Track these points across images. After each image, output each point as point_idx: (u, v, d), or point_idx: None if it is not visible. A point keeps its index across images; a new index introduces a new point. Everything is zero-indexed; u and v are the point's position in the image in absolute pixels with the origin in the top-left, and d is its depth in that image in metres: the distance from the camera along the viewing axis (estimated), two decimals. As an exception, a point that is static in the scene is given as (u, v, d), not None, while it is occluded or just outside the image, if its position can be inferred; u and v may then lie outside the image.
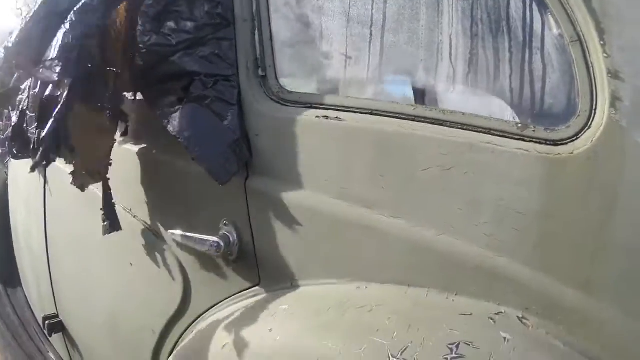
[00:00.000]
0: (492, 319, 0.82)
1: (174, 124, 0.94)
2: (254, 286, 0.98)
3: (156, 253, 1.13)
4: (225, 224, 0.98)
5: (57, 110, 0.95)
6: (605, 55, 0.77)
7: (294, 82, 0.99)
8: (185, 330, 1.12)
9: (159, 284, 1.14)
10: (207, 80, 0.95)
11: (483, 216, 0.82)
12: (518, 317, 0.82)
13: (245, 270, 0.99)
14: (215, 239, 0.96)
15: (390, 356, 0.77)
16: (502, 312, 0.82)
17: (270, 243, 0.94)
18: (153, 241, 1.13)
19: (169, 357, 1.16)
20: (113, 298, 1.31)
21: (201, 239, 0.97)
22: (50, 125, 0.95)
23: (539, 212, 0.81)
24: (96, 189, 1.26)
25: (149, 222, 1.14)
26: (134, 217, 1.17)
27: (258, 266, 0.97)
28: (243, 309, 0.98)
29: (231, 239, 0.97)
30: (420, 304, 0.84)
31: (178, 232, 1.01)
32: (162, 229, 1.11)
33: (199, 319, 1.09)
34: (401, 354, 0.77)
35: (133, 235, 1.18)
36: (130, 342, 1.28)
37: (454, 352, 0.76)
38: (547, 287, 0.81)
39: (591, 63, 0.79)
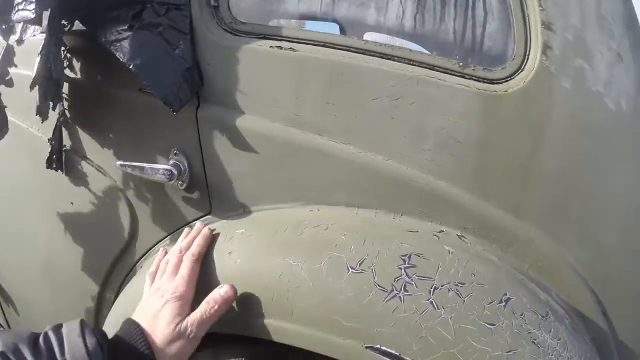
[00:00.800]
0: (435, 235, 0.85)
1: (123, 51, 0.88)
2: (206, 215, 0.95)
3: (100, 190, 1.06)
4: (175, 154, 0.93)
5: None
6: (540, 8, 0.84)
7: (245, 13, 0.94)
8: (133, 267, 1.06)
9: (104, 222, 1.07)
10: (159, 8, 0.89)
11: (426, 143, 0.86)
12: (457, 235, 0.86)
13: (196, 199, 0.95)
14: (167, 166, 0.91)
15: (350, 268, 0.78)
16: (443, 231, 0.86)
17: (221, 171, 0.91)
18: (97, 177, 1.05)
19: (115, 298, 1.09)
20: (51, 243, 1.21)
21: (152, 167, 0.92)
22: None
23: (476, 142, 0.86)
24: (32, 128, 1.16)
25: (91, 158, 1.05)
26: (75, 153, 1.08)
27: (209, 194, 0.93)
28: (196, 237, 0.94)
29: (182, 167, 0.92)
30: (371, 222, 0.86)
31: (127, 163, 0.94)
32: (106, 163, 1.03)
33: (148, 254, 1.03)
34: (359, 265, 0.78)
35: (74, 172, 1.09)
36: (71, 287, 1.19)
37: (406, 262, 0.78)
38: (482, 209, 0.87)
39: (527, 14, 0.85)
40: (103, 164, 1.03)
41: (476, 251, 0.86)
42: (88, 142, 1.04)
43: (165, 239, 1.01)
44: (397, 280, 0.77)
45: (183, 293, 0.79)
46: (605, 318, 0.93)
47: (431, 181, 0.86)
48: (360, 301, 0.76)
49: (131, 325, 0.76)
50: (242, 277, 0.82)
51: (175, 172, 0.90)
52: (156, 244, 1.02)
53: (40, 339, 0.69)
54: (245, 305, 0.81)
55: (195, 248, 0.85)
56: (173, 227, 0.99)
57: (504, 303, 0.79)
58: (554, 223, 0.88)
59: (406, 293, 0.76)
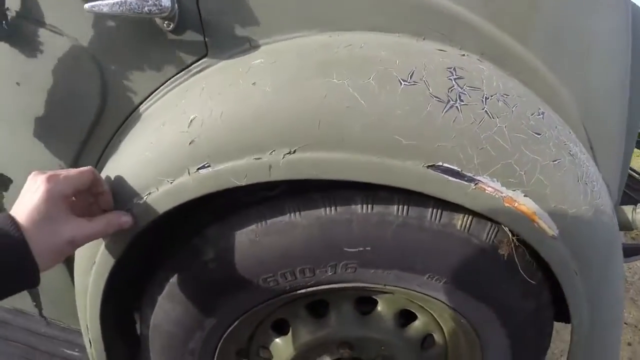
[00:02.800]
0: (462, 55, 0.69)
1: None
2: (201, 58, 0.71)
3: (56, 56, 0.75)
4: (158, -13, 0.66)
5: None
6: None
7: None
8: (107, 144, 0.77)
9: (63, 96, 0.78)
10: None
11: None
12: (477, 59, 0.72)
13: (187, 41, 0.71)
14: (154, -4, 0.64)
15: (401, 81, 0.60)
16: (466, 54, 0.71)
17: (219, 1, 0.66)
18: (51, 41, 0.74)
19: None
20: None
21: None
22: None
23: None
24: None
25: (42, 19, 0.73)
26: (20, 18, 0.74)
27: (204, 32, 0.70)
28: (197, 82, 0.69)
29: (169, 4, 0.65)
30: (400, 43, 0.68)
31: (100, 2, 0.64)
32: (62, 20, 0.74)
33: (124, 125, 0.75)
34: (410, 78, 0.61)
35: (15, 42, 0.75)
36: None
37: (454, 74, 0.64)
38: (496, 36, 0.76)
39: None
40: (58, 21, 0.72)
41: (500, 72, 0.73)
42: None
43: (147, 100, 0.73)
44: (451, 91, 0.63)
45: (60, 181, 0.59)
46: (593, 152, 0.88)
47: (450, 5, 0.70)
48: (419, 115, 0.60)
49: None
50: (277, 108, 0.61)
51: (168, 3, 0.64)
52: (135, 109, 0.74)
53: None
54: (285, 142, 0.60)
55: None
56: (157, 83, 0.73)
57: (541, 115, 0.69)
58: (553, 56, 0.80)
59: (462, 103, 0.62)
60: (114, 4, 0.66)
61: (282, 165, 0.61)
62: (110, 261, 0.72)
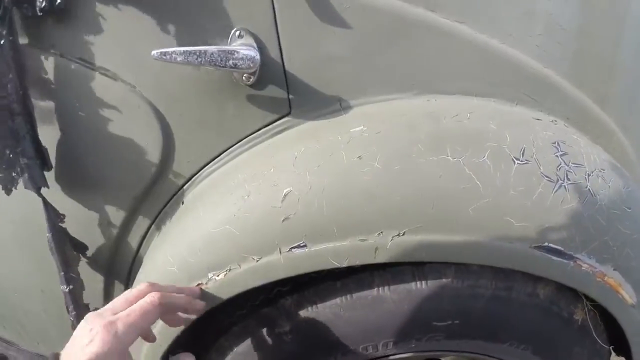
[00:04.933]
0: (553, 122, 0.68)
1: None
2: (282, 117, 0.65)
3: (104, 101, 0.65)
4: (239, 36, 0.59)
5: None
6: None
7: None
8: (167, 203, 0.69)
9: (114, 145, 0.68)
10: None
11: (537, 27, 0.67)
12: (564, 125, 0.70)
13: (268, 97, 0.65)
14: (240, 48, 0.57)
15: (514, 159, 0.57)
16: (555, 121, 0.69)
17: (308, 54, 0.63)
18: (102, 85, 0.65)
19: (140, 246, 0.72)
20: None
21: (221, 50, 0.56)
22: None
23: (576, 29, 0.70)
24: None
25: (88, 58, 0.63)
26: (60, 55, 0.64)
27: (288, 89, 0.62)
28: (282, 146, 0.63)
29: (259, 57, 0.58)
30: (501, 111, 0.65)
31: (171, 50, 0.56)
32: (116, 62, 0.64)
33: (190, 184, 0.67)
34: (522, 156, 0.57)
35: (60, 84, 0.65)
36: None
37: (559, 150, 0.62)
38: (580, 99, 0.75)
39: None
40: (110, 63, 0.63)
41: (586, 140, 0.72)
42: (80, 35, 0.62)
43: (217, 160, 0.66)
44: (560, 169, 0.61)
45: (120, 332, 0.51)
46: None
47: (541, 68, 0.68)
48: (531, 196, 0.58)
49: None
50: (389, 187, 0.57)
51: (257, 56, 0.57)
52: (202, 168, 0.67)
53: None
54: (394, 223, 0.56)
55: (167, 294, 0.57)
56: (229, 142, 0.66)
57: (631, 188, 0.68)
58: (626, 116, 0.80)
59: (569, 182, 0.61)
60: (190, 53, 0.58)
61: (390, 248, 0.57)
62: (171, 336, 0.65)
